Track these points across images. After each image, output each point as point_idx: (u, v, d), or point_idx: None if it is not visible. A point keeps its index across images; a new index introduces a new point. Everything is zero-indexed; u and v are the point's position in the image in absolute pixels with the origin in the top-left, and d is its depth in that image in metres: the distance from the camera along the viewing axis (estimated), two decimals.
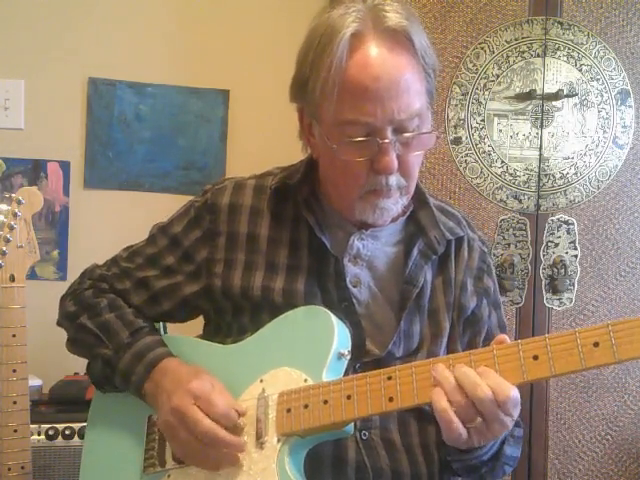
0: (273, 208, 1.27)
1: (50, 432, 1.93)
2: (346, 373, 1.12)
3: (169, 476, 1.18)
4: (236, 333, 1.26)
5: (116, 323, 1.27)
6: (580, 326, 2.15)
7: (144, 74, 2.46)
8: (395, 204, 1.19)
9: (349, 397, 1.05)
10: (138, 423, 1.25)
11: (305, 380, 1.10)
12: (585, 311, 2.16)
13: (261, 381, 1.14)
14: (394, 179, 1.16)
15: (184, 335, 1.32)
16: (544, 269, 2.14)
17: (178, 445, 1.14)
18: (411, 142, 1.15)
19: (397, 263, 1.26)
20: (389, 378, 1.04)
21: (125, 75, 2.45)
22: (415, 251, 1.24)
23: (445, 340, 1.25)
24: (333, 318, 1.14)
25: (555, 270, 2.14)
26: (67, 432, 1.94)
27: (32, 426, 1.60)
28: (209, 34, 2.50)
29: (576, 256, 2.15)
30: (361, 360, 1.19)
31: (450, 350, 1.24)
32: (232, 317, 1.26)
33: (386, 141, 1.12)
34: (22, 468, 1.53)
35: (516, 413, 0.99)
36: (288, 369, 1.12)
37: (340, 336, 1.12)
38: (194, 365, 1.20)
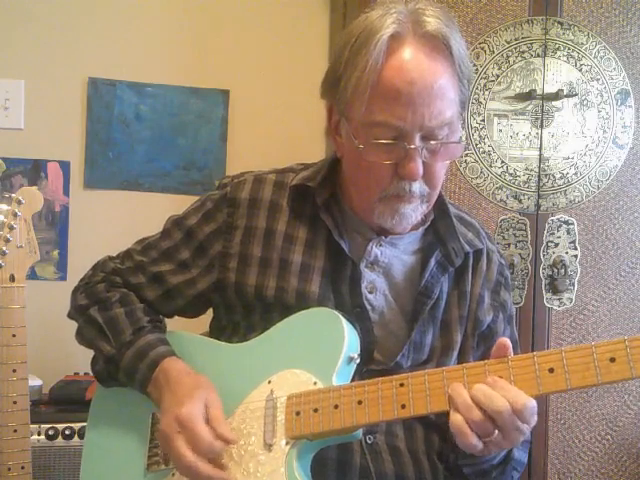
0: (292, 205, 1.26)
1: (50, 432, 1.93)
2: (353, 378, 1.12)
3: (173, 475, 1.17)
4: (244, 331, 1.25)
5: (123, 320, 1.26)
6: (580, 326, 2.15)
7: (144, 74, 2.46)
8: (414, 211, 1.17)
9: (360, 402, 1.04)
10: (142, 420, 1.24)
11: (315, 383, 1.09)
12: (585, 311, 2.16)
13: (269, 382, 1.13)
14: (417, 186, 1.14)
15: (189, 331, 1.31)
16: (544, 269, 2.14)
17: (174, 463, 1.13)
18: (438, 150, 1.14)
19: (414, 272, 1.25)
20: (401, 385, 1.03)
21: (125, 75, 2.45)
22: (432, 262, 1.23)
23: (456, 353, 1.24)
24: (343, 321, 1.13)
25: (555, 270, 2.14)
26: (67, 432, 1.94)
27: (32, 426, 1.61)
28: (209, 34, 2.50)
29: (576, 256, 2.15)
30: (369, 367, 1.18)
31: (461, 363, 1.21)
32: (242, 315, 1.26)
33: (413, 147, 1.11)
34: (22, 468, 1.53)
35: (534, 421, 0.98)
36: (297, 371, 1.12)
37: (350, 340, 1.12)
38: (197, 375, 1.18)
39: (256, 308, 1.24)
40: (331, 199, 1.25)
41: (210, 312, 1.37)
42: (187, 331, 1.32)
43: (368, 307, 1.22)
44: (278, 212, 1.26)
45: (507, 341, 1.01)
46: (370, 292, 1.23)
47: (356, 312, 1.21)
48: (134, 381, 1.22)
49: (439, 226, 1.26)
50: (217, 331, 1.32)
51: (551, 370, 0.95)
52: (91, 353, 1.33)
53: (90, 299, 1.32)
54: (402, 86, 1.09)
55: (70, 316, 1.37)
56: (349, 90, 1.13)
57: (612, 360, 0.92)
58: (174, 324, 1.34)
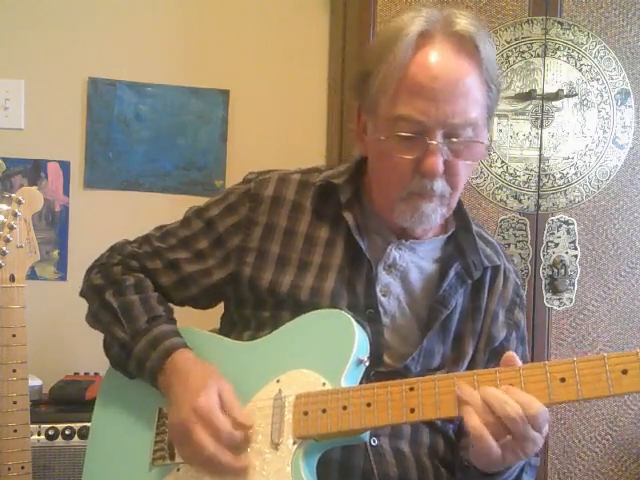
0: (315, 205, 1.27)
1: (50, 432, 1.93)
2: (361, 380, 1.12)
3: (178, 470, 1.17)
4: (254, 328, 1.25)
5: (138, 307, 1.25)
6: (580, 326, 2.15)
7: (144, 74, 2.46)
8: (434, 212, 1.17)
9: (369, 405, 1.04)
10: (148, 414, 1.24)
11: (323, 384, 1.09)
12: (585, 311, 2.16)
13: (278, 381, 1.13)
14: (439, 184, 1.14)
15: (199, 327, 1.31)
16: (544, 269, 2.14)
17: (185, 457, 1.13)
18: (461, 150, 1.14)
19: (431, 280, 1.25)
20: (411, 389, 1.02)
21: (125, 75, 2.45)
22: (452, 272, 1.23)
23: (466, 364, 1.24)
24: (354, 323, 1.13)
25: (555, 270, 2.13)
26: (67, 432, 1.93)
27: (32, 426, 1.60)
28: (209, 34, 2.50)
29: (576, 256, 2.15)
30: (377, 369, 1.18)
31: None
32: (252, 310, 1.26)
33: (434, 142, 1.11)
34: (22, 468, 1.53)
35: (545, 430, 0.98)
36: (306, 371, 1.12)
37: (360, 342, 1.12)
38: (206, 364, 1.18)
39: (267, 304, 1.24)
40: (354, 198, 1.26)
41: (221, 307, 1.37)
42: (197, 327, 1.32)
43: (380, 310, 1.21)
44: (300, 213, 1.27)
45: (513, 354, 1.01)
46: (384, 295, 1.22)
47: (369, 313, 1.20)
48: (144, 370, 1.21)
49: (460, 239, 1.27)
50: (228, 326, 1.33)
51: (562, 380, 0.95)
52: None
53: (105, 279, 1.32)
54: (426, 81, 1.11)
55: (82, 294, 1.36)
56: (376, 86, 1.15)
57: (624, 372, 0.92)
58: (184, 319, 1.33)
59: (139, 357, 1.21)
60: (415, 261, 1.25)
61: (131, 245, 1.37)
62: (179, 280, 1.31)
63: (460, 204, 1.29)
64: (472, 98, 1.13)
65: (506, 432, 0.96)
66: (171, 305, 1.33)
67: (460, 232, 1.27)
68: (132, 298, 1.27)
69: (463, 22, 1.14)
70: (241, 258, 1.26)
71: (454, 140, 1.12)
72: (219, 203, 1.32)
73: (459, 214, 1.29)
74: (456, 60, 1.12)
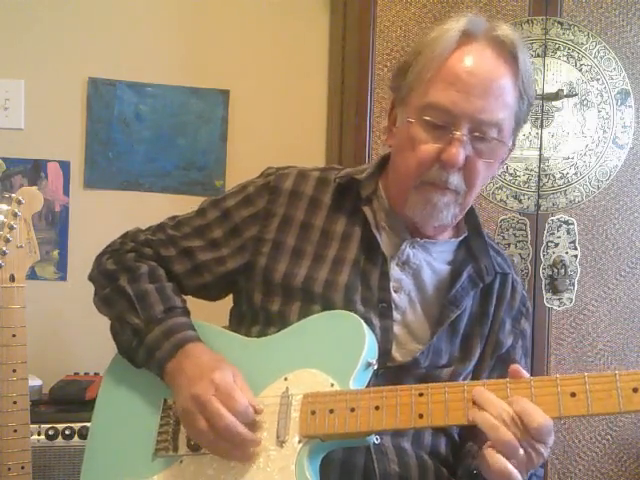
0: (333, 201, 1.29)
1: (50, 432, 1.93)
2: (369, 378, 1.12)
3: (181, 462, 1.16)
4: (262, 323, 1.26)
5: (154, 295, 1.25)
6: (580, 326, 2.15)
7: (144, 74, 2.46)
8: (446, 207, 1.19)
9: (377, 408, 1.04)
10: (152, 405, 1.24)
11: (332, 385, 1.09)
12: (585, 311, 2.16)
13: (285, 379, 1.13)
14: (455, 178, 1.17)
15: (208, 322, 1.31)
16: (544, 269, 2.14)
17: (194, 432, 1.12)
18: (484, 149, 1.17)
19: (443, 281, 1.26)
20: (420, 394, 1.03)
21: (125, 75, 2.45)
22: (465, 275, 1.25)
23: (472, 365, 1.25)
24: (364, 326, 1.14)
25: (555, 270, 2.14)
26: (67, 432, 1.93)
27: (32, 426, 1.60)
28: (209, 34, 2.50)
29: (576, 256, 2.15)
30: (385, 365, 1.19)
31: (476, 379, 1.23)
32: (262, 299, 1.26)
33: (458, 134, 1.14)
34: (22, 468, 1.53)
35: (550, 441, 0.98)
36: (314, 371, 1.12)
37: (370, 344, 1.12)
38: (217, 354, 1.18)
39: (278, 295, 1.24)
40: (373, 195, 1.28)
41: (229, 303, 1.37)
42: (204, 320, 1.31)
43: (392, 305, 1.22)
44: (317, 208, 1.28)
45: (519, 367, 1.01)
46: (395, 291, 1.24)
47: (381, 307, 1.22)
48: (153, 358, 1.20)
49: (472, 244, 1.29)
50: (237, 319, 1.33)
51: (573, 394, 0.96)
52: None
53: (118, 265, 1.32)
54: (462, 74, 1.14)
55: (91, 278, 1.36)
56: (413, 76, 1.18)
57: (635, 390, 0.93)
58: (193, 314, 1.33)
59: (150, 346, 1.21)
60: (428, 261, 1.26)
61: (144, 233, 1.38)
62: (193, 268, 1.32)
63: (472, 210, 1.31)
64: (503, 101, 1.15)
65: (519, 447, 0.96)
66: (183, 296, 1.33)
67: (472, 238, 1.30)
68: (147, 286, 1.27)
69: (506, 30, 1.18)
70: (257, 248, 1.27)
71: (477, 135, 1.15)
72: (236, 195, 1.33)
73: (471, 220, 1.31)
74: (494, 62, 1.16)
